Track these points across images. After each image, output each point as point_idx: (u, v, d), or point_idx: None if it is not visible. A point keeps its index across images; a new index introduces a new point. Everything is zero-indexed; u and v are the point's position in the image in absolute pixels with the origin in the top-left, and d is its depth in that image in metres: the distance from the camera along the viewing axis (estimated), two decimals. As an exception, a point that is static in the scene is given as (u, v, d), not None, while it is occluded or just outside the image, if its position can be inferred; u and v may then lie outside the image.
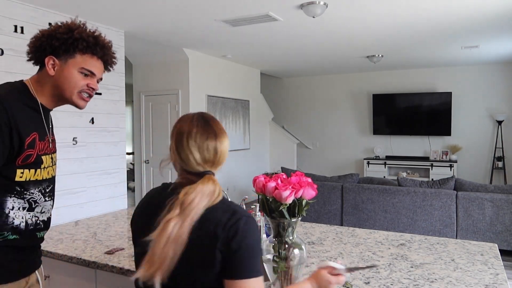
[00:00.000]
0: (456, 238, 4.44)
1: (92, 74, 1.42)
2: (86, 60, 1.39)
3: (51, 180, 1.39)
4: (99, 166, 4.50)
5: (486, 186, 4.47)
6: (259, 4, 3.84)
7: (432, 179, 6.69)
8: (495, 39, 5.35)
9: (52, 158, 1.38)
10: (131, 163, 8.78)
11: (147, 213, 1.14)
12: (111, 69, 1.53)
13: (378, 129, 8.23)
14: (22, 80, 1.39)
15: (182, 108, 6.08)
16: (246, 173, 7.47)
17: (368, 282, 1.44)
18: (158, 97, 6.32)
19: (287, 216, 1.32)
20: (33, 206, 1.32)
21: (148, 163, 6.46)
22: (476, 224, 4.35)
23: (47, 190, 1.37)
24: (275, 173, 1.42)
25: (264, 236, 1.85)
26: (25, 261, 1.33)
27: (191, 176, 1.10)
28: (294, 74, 8.71)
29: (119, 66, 4.76)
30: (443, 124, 7.58)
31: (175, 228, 0.98)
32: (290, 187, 1.29)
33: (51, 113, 1.50)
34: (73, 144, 4.19)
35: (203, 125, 1.12)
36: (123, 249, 1.84)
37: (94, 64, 1.41)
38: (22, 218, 1.29)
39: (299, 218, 1.35)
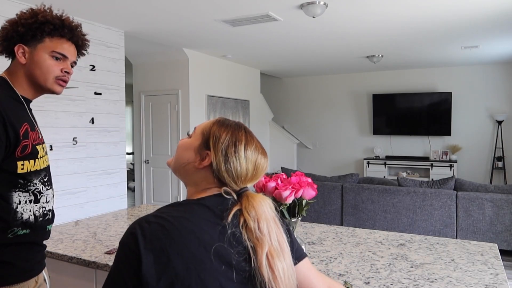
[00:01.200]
0: (456, 238, 4.44)
1: (64, 57, 1.38)
2: (56, 43, 1.36)
3: (47, 169, 1.38)
4: (99, 166, 4.50)
5: (486, 186, 4.47)
6: (259, 4, 3.84)
7: (432, 179, 6.69)
8: (495, 39, 5.35)
9: (43, 148, 1.37)
10: (131, 163, 8.78)
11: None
12: (84, 52, 1.52)
13: (378, 129, 8.23)
14: None
15: (182, 108, 6.09)
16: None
17: (368, 282, 1.44)
18: (158, 97, 6.33)
19: (287, 216, 1.32)
20: (39, 197, 1.31)
21: (148, 163, 6.46)
22: (476, 224, 4.35)
23: (45, 180, 1.35)
24: (275, 173, 1.42)
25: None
26: (35, 259, 1.31)
27: (225, 190, 0.95)
28: (294, 74, 8.71)
29: (119, 66, 4.76)
30: (443, 124, 7.58)
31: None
32: (290, 187, 1.29)
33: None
34: (73, 144, 4.20)
35: (256, 139, 1.04)
36: (123, 249, 1.83)
37: (64, 46, 1.39)
38: (30, 211, 1.28)
39: (299, 218, 1.35)
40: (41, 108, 3.88)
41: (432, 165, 7.49)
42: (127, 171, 5.75)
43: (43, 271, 1.36)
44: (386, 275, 1.51)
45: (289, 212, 1.32)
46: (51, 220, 1.38)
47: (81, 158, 4.29)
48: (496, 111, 7.32)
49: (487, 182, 7.39)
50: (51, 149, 3.96)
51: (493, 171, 7.35)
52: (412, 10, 4.06)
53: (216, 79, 6.71)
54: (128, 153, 8.54)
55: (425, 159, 7.76)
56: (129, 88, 7.21)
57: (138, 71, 6.52)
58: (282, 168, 5.57)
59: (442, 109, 7.56)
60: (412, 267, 1.61)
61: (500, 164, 7.25)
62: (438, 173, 7.39)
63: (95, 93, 4.45)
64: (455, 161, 7.38)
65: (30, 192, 1.28)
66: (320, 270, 1.57)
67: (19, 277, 1.25)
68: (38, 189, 1.31)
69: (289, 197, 1.28)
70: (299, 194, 1.30)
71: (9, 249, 1.24)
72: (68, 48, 1.39)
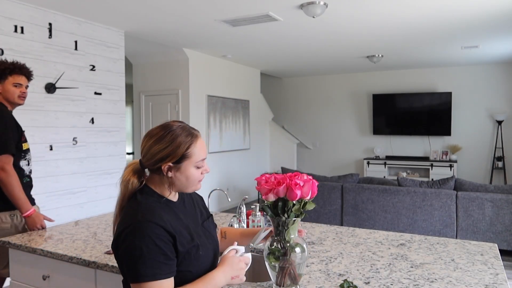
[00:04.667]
0: (456, 238, 4.44)
1: (19, 84, 2.38)
2: (14, 77, 2.36)
3: (29, 150, 2.47)
4: (99, 166, 4.50)
5: (486, 186, 4.47)
6: (259, 4, 3.84)
7: (432, 179, 6.69)
8: (495, 39, 5.35)
9: (26, 139, 2.46)
10: (131, 163, 8.77)
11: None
12: (31, 78, 2.48)
13: (378, 129, 8.23)
14: None
15: (182, 108, 6.09)
16: (246, 173, 7.47)
17: (368, 282, 1.44)
18: (158, 97, 6.33)
19: (289, 215, 1.32)
20: (28, 163, 2.44)
21: (148, 163, 6.46)
22: (476, 224, 4.35)
23: (30, 155, 2.48)
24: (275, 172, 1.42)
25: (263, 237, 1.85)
26: (30, 195, 2.44)
27: None
28: (294, 74, 8.71)
29: (119, 66, 4.76)
30: (443, 124, 7.58)
31: None
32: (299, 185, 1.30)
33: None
34: (73, 144, 4.20)
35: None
36: (123, 249, 1.84)
37: (19, 78, 2.37)
38: (27, 170, 2.42)
39: (299, 218, 1.35)
40: (41, 108, 3.88)
41: (432, 165, 7.49)
42: (127, 171, 5.74)
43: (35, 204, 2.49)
44: (386, 275, 1.51)
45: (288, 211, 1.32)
46: (31, 172, 2.48)
47: (81, 158, 4.29)
48: (496, 111, 7.32)
49: (487, 182, 7.39)
50: (51, 149, 3.96)
51: (493, 171, 7.35)
52: (412, 10, 4.06)
53: (216, 79, 6.71)
54: (128, 153, 8.53)
55: (425, 159, 7.76)
56: (129, 88, 7.20)
57: (138, 71, 6.52)
58: (282, 168, 5.57)
59: (442, 109, 7.56)
60: (412, 267, 1.61)
61: (500, 164, 7.25)
62: (438, 173, 7.39)
63: (95, 93, 4.45)
64: (455, 161, 7.38)
65: (26, 159, 2.41)
66: (320, 270, 1.58)
67: (31, 203, 2.37)
68: (28, 158, 2.43)
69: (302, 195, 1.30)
70: (281, 191, 1.31)
71: (24, 188, 2.30)
72: (21, 79, 2.40)
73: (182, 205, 1.32)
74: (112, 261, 1.67)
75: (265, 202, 1.36)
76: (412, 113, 7.84)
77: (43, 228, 2.32)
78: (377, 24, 4.59)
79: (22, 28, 3.69)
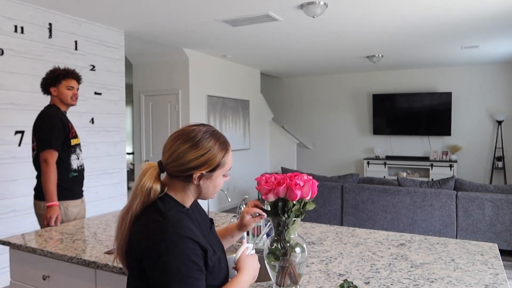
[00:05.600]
0: (456, 238, 4.44)
1: (71, 87, 2.68)
2: (67, 81, 2.67)
3: (80, 145, 2.75)
4: (99, 166, 4.50)
5: (486, 186, 4.47)
6: (259, 4, 3.84)
7: (432, 179, 6.69)
8: (495, 39, 5.35)
9: (77, 135, 2.74)
10: (131, 163, 8.78)
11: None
12: (81, 81, 2.78)
13: (378, 129, 8.23)
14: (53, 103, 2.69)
15: (182, 108, 6.08)
16: (246, 173, 7.47)
17: (368, 282, 1.44)
18: (158, 97, 6.33)
19: (289, 215, 1.32)
20: (78, 157, 2.70)
21: (148, 163, 6.46)
22: (476, 224, 4.35)
23: (81, 150, 2.75)
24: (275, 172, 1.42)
25: (264, 236, 1.85)
26: (80, 189, 2.73)
27: None
28: (294, 74, 8.71)
29: (119, 66, 4.76)
30: (443, 124, 7.58)
31: None
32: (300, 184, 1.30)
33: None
34: (73, 144, 4.19)
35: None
36: (123, 249, 1.84)
37: (71, 82, 2.68)
38: (76, 164, 2.68)
39: (302, 216, 1.35)
40: (41, 108, 3.87)
41: (432, 165, 7.49)
42: (127, 171, 5.74)
43: (83, 196, 2.76)
44: (386, 275, 1.51)
45: (288, 210, 1.32)
46: (83, 169, 2.75)
47: (81, 158, 4.29)
48: (496, 111, 7.32)
49: (487, 182, 7.39)
50: (51, 149, 3.95)
51: (493, 171, 7.35)
52: (412, 10, 4.06)
53: (216, 79, 6.71)
54: (128, 153, 8.53)
55: (425, 159, 7.76)
56: (129, 88, 7.20)
57: (138, 71, 6.52)
58: (282, 168, 5.57)
59: (442, 109, 7.56)
60: (412, 267, 1.61)
61: (500, 164, 7.25)
62: (438, 173, 7.39)
63: (95, 93, 4.45)
64: (455, 161, 7.38)
65: (75, 154, 2.67)
66: (320, 270, 1.58)
67: (76, 196, 2.67)
68: (77, 153, 2.69)
69: (303, 195, 1.30)
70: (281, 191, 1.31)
71: (70, 183, 2.63)
72: (73, 82, 2.70)
73: (197, 212, 1.25)
74: (112, 261, 1.67)
75: (265, 202, 1.36)
76: (412, 113, 7.84)
77: (55, 224, 2.46)
78: (377, 24, 4.59)
79: (22, 28, 3.69)
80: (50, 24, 3.95)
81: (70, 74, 2.67)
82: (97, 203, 4.46)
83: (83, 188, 2.78)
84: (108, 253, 1.78)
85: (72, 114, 4.18)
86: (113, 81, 4.66)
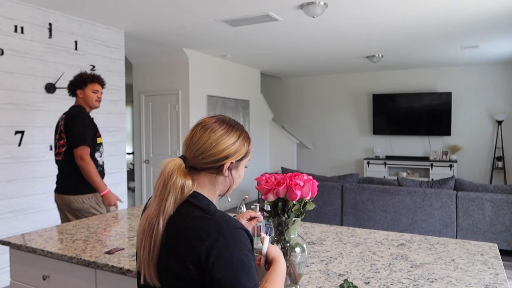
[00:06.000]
0: (456, 238, 4.44)
1: (96, 91, 2.92)
2: (93, 85, 2.90)
3: (102, 144, 3.00)
4: (99, 166, 4.49)
5: (486, 186, 4.47)
6: (259, 4, 3.84)
7: (432, 179, 6.69)
8: (495, 39, 5.35)
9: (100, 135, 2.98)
10: (131, 163, 8.78)
11: None
12: (105, 86, 3.01)
13: (378, 129, 8.23)
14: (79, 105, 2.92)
15: (182, 108, 6.08)
16: (246, 173, 7.41)
17: (368, 282, 1.44)
18: (158, 97, 6.32)
19: (289, 215, 1.32)
20: (101, 155, 2.94)
21: (148, 163, 6.46)
22: (476, 224, 4.35)
23: (101, 148, 2.97)
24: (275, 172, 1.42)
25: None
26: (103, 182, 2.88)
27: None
28: (294, 74, 8.71)
29: (119, 66, 4.76)
30: (443, 124, 7.58)
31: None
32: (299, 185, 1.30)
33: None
34: (73, 144, 4.19)
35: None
36: (123, 249, 1.84)
37: (96, 86, 2.93)
38: (100, 161, 2.91)
39: (302, 216, 1.35)
40: (41, 108, 3.88)
41: (432, 165, 7.49)
42: (127, 171, 5.74)
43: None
44: (386, 275, 1.51)
45: (288, 210, 1.32)
46: (104, 164, 3.00)
47: (81, 158, 4.28)
48: (496, 111, 7.32)
49: (487, 182, 7.39)
50: (51, 149, 3.95)
51: (493, 171, 7.35)
52: (412, 10, 4.06)
53: (216, 79, 6.71)
54: (128, 153, 8.54)
55: (425, 159, 7.76)
56: (129, 88, 7.20)
57: (138, 71, 6.52)
58: (282, 168, 5.57)
59: (442, 109, 7.56)
60: (412, 267, 1.61)
61: (500, 164, 7.25)
62: (438, 173, 7.39)
63: (95, 93, 4.44)
64: (455, 161, 7.38)
65: (99, 151, 2.91)
66: (320, 270, 1.58)
67: (103, 188, 2.83)
68: (101, 150, 2.94)
69: (303, 195, 1.30)
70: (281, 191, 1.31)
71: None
72: (98, 87, 2.94)
73: None
74: (112, 261, 1.67)
75: (265, 202, 1.36)
76: (412, 113, 7.84)
77: (116, 206, 2.86)
78: (377, 24, 4.59)
79: (22, 28, 3.69)
80: (50, 24, 3.95)
81: (96, 79, 2.92)
82: (97, 203, 4.46)
83: None
84: (108, 253, 1.78)
85: (72, 114, 4.19)
86: (113, 81, 4.66)
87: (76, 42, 4.21)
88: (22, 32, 3.69)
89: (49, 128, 3.95)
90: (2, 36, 3.54)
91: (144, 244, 1.02)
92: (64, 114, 2.87)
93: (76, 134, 2.72)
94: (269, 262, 1.14)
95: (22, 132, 3.70)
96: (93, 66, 4.41)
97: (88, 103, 2.89)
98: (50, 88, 3.95)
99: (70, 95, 2.93)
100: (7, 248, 3.38)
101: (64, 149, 2.78)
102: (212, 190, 1.12)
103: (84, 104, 2.88)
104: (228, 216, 1.03)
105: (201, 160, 1.07)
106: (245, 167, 1.18)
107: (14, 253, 2.00)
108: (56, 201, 2.88)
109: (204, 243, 0.96)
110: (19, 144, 3.68)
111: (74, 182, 2.76)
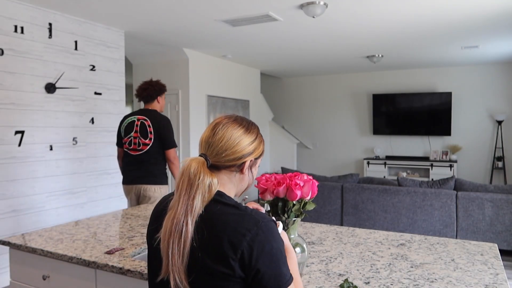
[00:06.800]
0: (456, 238, 4.44)
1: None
2: (164, 93, 3.47)
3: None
4: (99, 166, 4.50)
5: (486, 186, 4.47)
6: (259, 4, 3.84)
7: (432, 179, 6.69)
8: (495, 39, 5.35)
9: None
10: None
11: None
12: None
13: (378, 129, 8.23)
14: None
15: (182, 108, 6.08)
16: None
17: (368, 282, 1.44)
18: (158, 97, 6.32)
19: (289, 215, 1.32)
20: None
21: (148, 163, 6.46)
22: (476, 224, 4.35)
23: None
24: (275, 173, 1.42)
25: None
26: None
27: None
28: (294, 74, 8.71)
29: (119, 66, 4.76)
30: (443, 124, 7.58)
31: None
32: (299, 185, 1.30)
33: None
34: (73, 144, 4.20)
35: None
36: (123, 249, 1.84)
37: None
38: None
39: (302, 216, 1.35)
40: (41, 108, 3.88)
41: (432, 165, 7.49)
42: (127, 171, 5.73)
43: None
44: (386, 275, 1.51)
45: (288, 210, 1.32)
46: None
47: (81, 158, 4.29)
48: (496, 111, 7.32)
49: (487, 182, 7.39)
50: (51, 149, 3.96)
51: (493, 171, 7.35)
52: (412, 10, 4.06)
53: (216, 79, 6.71)
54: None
55: (425, 159, 7.76)
56: (129, 88, 7.20)
57: (138, 71, 6.52)
58: (282, 168, 5.56)
59: (442, 109, 7.56)
60: (412, 267, 1.61)
61: (500, 164, 7.25)
62: (438, 173, 7.39)
63: (95, 93, 4.45)
64: (455, 161, 7.38)
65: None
66: (320, 270, 1.58)
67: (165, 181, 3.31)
68: None
69: (302, 195, 1.30)
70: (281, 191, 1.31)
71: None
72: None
73: None
74: (112, 261, 1.67)
75: (264, 201, 1.36)
76: (412, 113, 7.84)
77: None
78: (377, 24, 4.59)
79: (22, 28, 3.69)
80: (50, 24, 3.95)
81: (165, 88, 3.47)
82: (97, 203, 4.47)
83: None
84: (108, 253, 1.78)
85: (72, 114, 4.19)
86: (113, 81, 4.67)
87: (76, 42, 4.21)
88: (22, 32, 3.69)
89: (49, 128, 3.95)
90: (2, 36, 3.54)
91: (173, 247, 0.97)
92: (143, 115, 3.27)
93: (171, 138, 3.23)
94: None
95: (22, 132, 3.70)
96: (93, 66, 4.41)
97: (161, 109, 3.41)
98: (50, 88, 3.95)
99: (148, 100, 3.36)
100: (7, 248, 3.38)
101: (148, 147, 3.19)
102: (232, 188, 1.12)
103: (158, 110, 3.37)
104: (257, 210, 1.04)
105: (224, 158, 1.06)
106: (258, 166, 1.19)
107: (14, 253, 2.00)
108: (127, 191, 3.27)
109: (245, 238, 0.94)
110: (19, 144, 3.68)
111: (156, 173, 3.23)
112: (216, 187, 1.04)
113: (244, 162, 1.09)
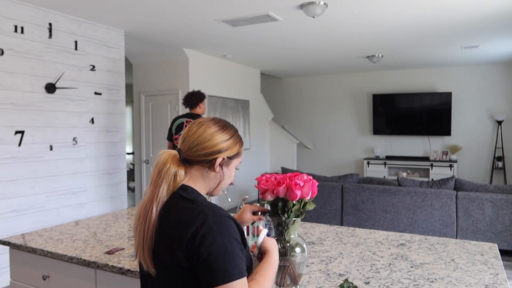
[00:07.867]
0: (456, 238, 4.44)
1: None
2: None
3: None
4: (99, 166, 4.50)
5: (486, 186, 4.47)
6: (259, 4, 3.84)
7: (432, 179, 6.69)
8: (495, 39, 5.35)
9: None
10: (131, 163, 8.78)
11: None
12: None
13: (378, 129, 8.23)
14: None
15: (182, 108, 6.08)
16: (246, 173, 7.47)
17: (368, 282, 1.44)
18: (158, 97, 6.32)
19: (289, 215, 1.32)
20: None
21: (148, 163, 6.46)
22: (476, 224, 4.35)
23: None
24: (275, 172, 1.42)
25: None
26: None
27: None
28: (294, 74, 8.71)
29: (119, 66, 4.77)
30: (443, 124, 7.58)
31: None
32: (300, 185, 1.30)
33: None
34: (73, 144, 4.20)
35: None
36: (123, 249, 1.84)
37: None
38: None
39: (302, 216, 1.35)
40: (41, 108, 3.88)
41: (432, 165, 7.49)
42: (127, 171, 5.74)
43: None
44: (386, 275, 1.51)
45: (288, 210, 1.32)
46: None
47: (81, 158, 4.29)
48: (496, 111, 7.32)
49: (487, 182, 7.39)
50: (51, 149, 3.96)
51: (493, 171, 7.35)
52: (412, 10, 4.06)
53: (216, 79, 6.71)
54: (128, 153, 8.53)
55: (425, 159, 7.76)
56: (129, 88, 7.21)
57: (138, 71, 6.52)
58: (282, 168, 5.56)
59: (442, 109, 7.56)
60: (412, 267, 1.61)
61: (500, 164, 7.25)
62: (438, 173, 7.39)
63: (95, 93, 4.45)
64: (455, 161, 7.38)
65: None
66: (320, 270, 1.58)
67: None
68: None
69: (302, 195, 1.30)
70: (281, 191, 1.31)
71: None
72: None
73: None
74: (112, 261, 1.67)
75: (265, 202, 1.37)
76: (412, 113, 7.84)
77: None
78: (377, 24, 4.59)
79: (22, 28, 3.69)
80: (50, 24, 3.95)
81: (205, 96, 4.04)
82: (97, 203, 4.47)
83: None
84: (108, 253, 1.78)
85: (72, 114, 4.19)
86: (113, 81, 4.67)
87: (76, 42, 4.21)
88: (22, 32, 3.69)
89: (49, 128, 3.95)
90: (2, 36, 3.54)
91: (139, 229, 1.06)
92: (189, 118, 3.92)
93: None
94: (262, 254, 1.16)
95: (22, 132, 3.70)
96: (93, 66, 4.41)
97: (203, 112, 4.02)
98: (50, 88, 3.95)
99: (192, 107, 4.04)
100: (7, 248, 3.38)
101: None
102: (203, 185, 1.15)
103: (200, 113, 3.97)
104: (215, 205, 1.07)
105: (195, 152, 1.11)
106: (236, 168, 1.22)
107: (14, 253, 2.00)
108: None
109: (190, 230, 0.99)
110: (19, 144, 3.68)
111: None
112: (182, 178, 1.09)
113: (215, 159, 1.12)
